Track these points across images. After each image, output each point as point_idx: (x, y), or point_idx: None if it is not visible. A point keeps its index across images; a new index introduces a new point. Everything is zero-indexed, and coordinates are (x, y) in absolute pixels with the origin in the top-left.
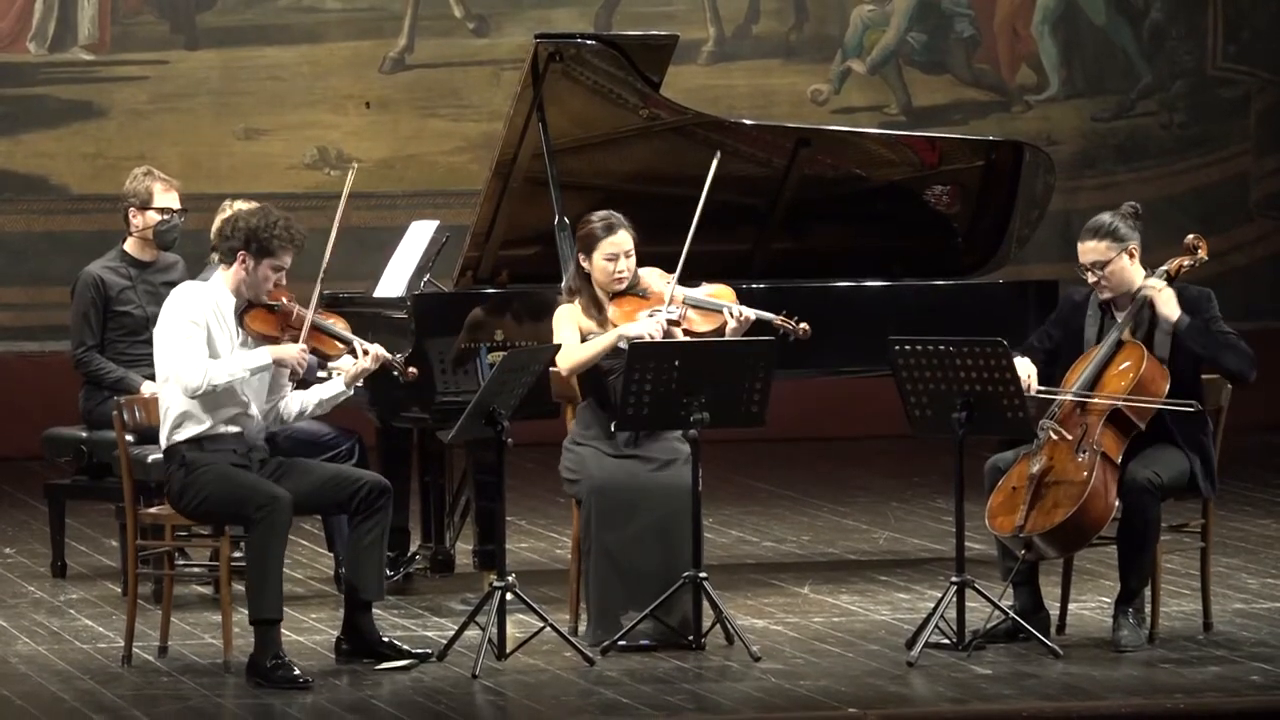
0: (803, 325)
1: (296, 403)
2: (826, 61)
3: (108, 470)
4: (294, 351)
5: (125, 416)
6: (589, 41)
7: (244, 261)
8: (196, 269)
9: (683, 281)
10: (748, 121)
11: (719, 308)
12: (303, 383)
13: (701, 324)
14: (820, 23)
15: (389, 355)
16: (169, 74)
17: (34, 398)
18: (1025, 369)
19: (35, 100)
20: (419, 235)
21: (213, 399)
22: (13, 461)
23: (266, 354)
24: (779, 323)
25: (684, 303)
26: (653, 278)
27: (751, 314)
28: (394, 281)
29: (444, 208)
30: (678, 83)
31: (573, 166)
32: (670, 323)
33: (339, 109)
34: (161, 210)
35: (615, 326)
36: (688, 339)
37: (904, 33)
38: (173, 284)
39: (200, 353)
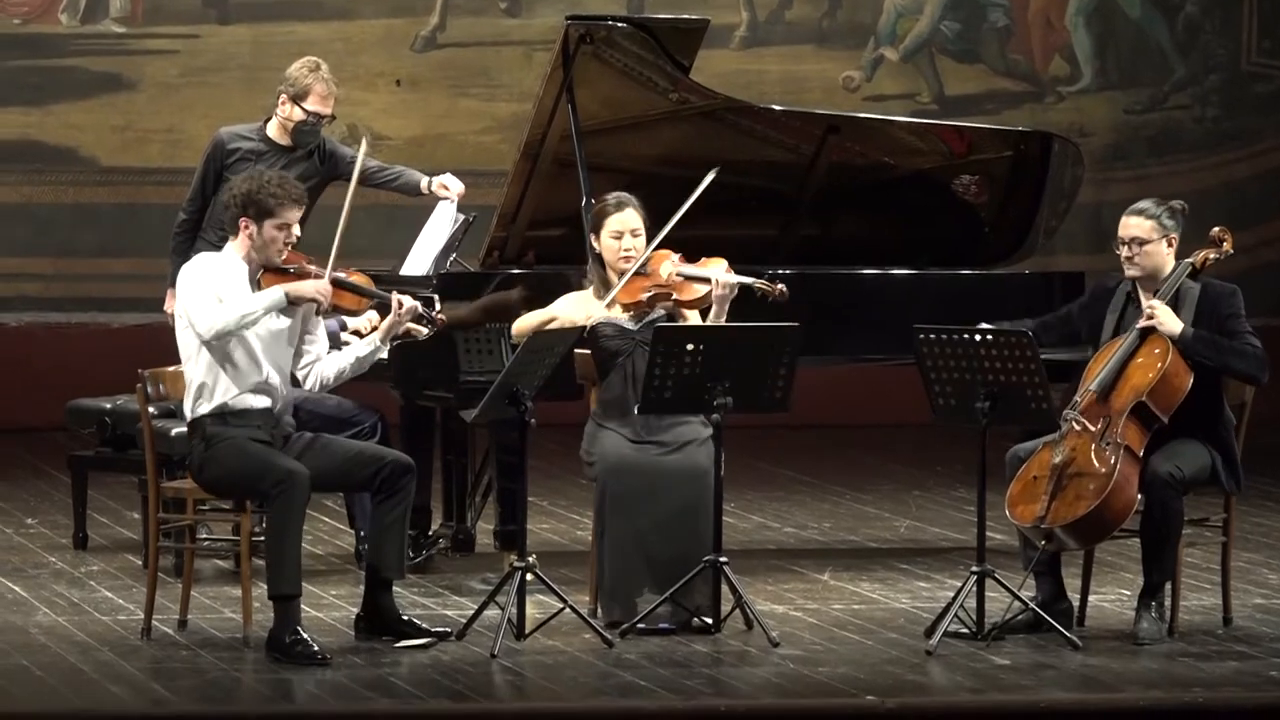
0: (779, 286)
1: (334, 366)
2: (859, 48)
3: (130, 442)
4: (310, 287)
5: (149, 389)
6: (620, 24)
7: (247, 228)
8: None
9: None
10: (777, 107)
11: (706, 276)
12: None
13: (692, 293)
14: (853, 9)
15: (415, 304)
16: (200, 48)
17: (59, 369)
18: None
19: (65, 72)
20: (445, 215)
21: (230, 368)
22: (36, 432)
23: (278, 291)
24: (759, 286)
25: (676, 275)
26: (658, 257)
27: (734, 280)
28: (420, 260)
29: (473, 187)
30: (710, 67)
31: (601, 148)
32: (659, 294)
33: (370, 86)
34: (309, 113)
35: (622, 300)
36: (713, 324)
37: (937, 21)
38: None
39: (212, 301)
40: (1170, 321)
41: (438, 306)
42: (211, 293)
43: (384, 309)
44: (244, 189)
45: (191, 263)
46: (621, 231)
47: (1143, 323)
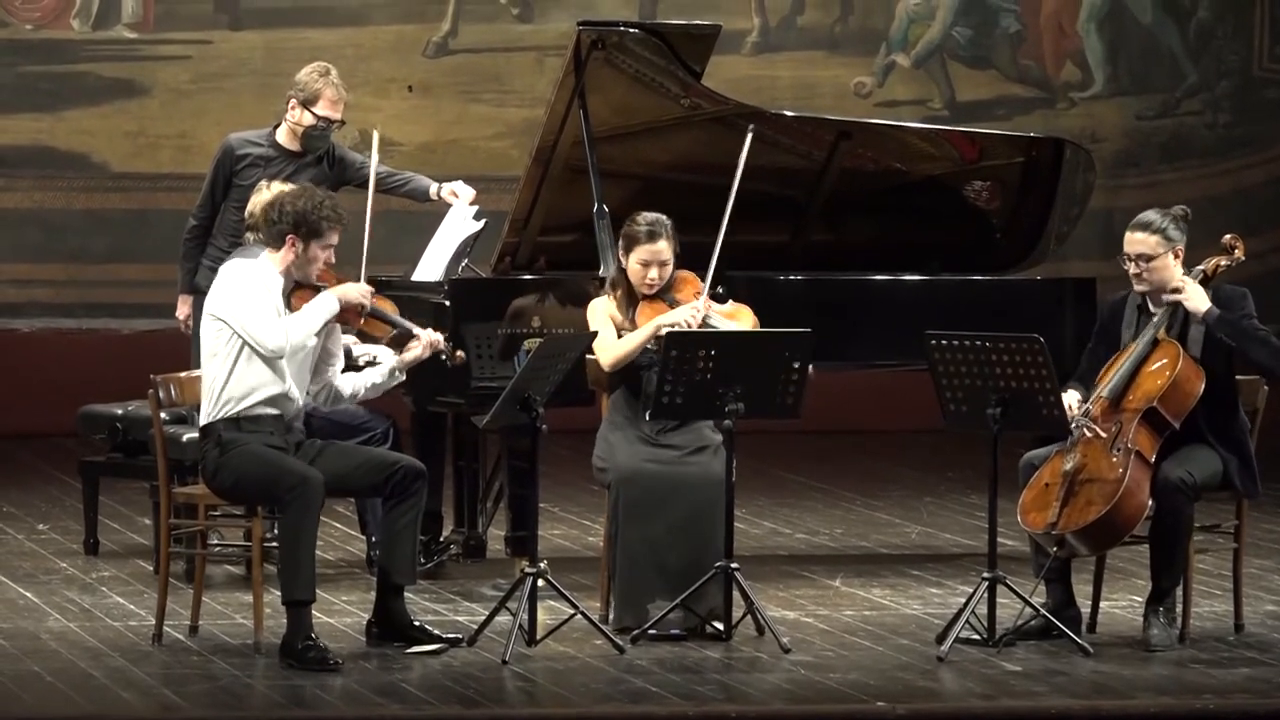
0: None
1: (349, 385)
2: (871, 54)
3: (142, 448)
4: (356, 292)
5: (161, 395)
6: (632, 29)
7: (294, 245)
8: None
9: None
10: (789, 113)
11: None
12: (349, 365)
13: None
14: (865, 15)
15: (440, 341)
16: (212, 54)
17: (70, 374)
18: (1068, 399)
19: (77, 77)
20: (457, 220)
21: (254, 375)
22: (48, 438)
23: (331, 297)
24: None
25: (703, 324)
26: (686, 288)
27: None
28: (432, 266)
29: (484, 193)
30: (721, 73)
31: (613, 154)
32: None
33: (381, 92)
34: (319, 117)
35: (641, 325)
36: (724, 329)
37: (949, 27)
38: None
39: (274, 314)
40: (1198, 299)
41: (460, 355)
42: (270, 305)
43: (405, 338)
44: (299, 207)
45: (233, 268)
46: (650, 262)
47: (1170, 297)
